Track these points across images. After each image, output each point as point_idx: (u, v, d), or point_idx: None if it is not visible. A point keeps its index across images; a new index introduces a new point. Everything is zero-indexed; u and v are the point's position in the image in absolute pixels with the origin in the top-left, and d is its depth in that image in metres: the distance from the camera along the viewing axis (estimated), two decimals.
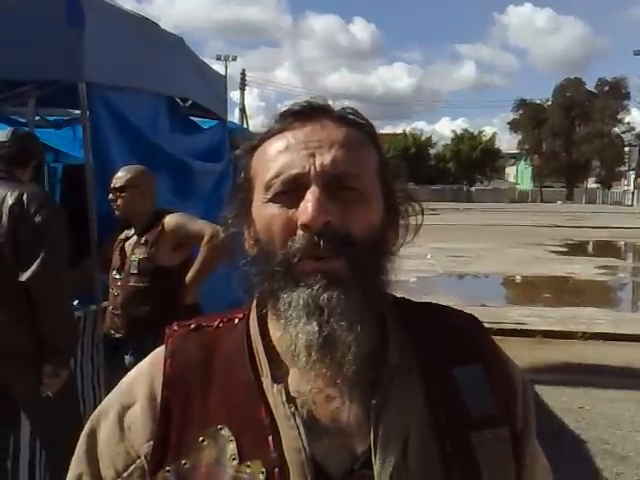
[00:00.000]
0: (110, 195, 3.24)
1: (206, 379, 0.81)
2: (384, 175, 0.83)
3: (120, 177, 3.22)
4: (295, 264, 0.75)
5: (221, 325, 0.87)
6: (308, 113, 0.82)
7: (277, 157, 0.79)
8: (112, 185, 3.22)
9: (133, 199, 3.21)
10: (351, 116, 0.84)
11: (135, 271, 3.16)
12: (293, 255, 0.75)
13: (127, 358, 3.09)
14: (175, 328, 0.87)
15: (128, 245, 3.26)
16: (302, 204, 0.75)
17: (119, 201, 3.23)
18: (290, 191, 0.77)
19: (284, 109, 0.84)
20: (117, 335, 3.21)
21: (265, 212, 0.79)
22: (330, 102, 0.84)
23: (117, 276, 3.24)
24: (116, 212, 3.27)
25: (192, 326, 0.87)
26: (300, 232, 0.75)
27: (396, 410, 0.77)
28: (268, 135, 0.83)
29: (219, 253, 3.03)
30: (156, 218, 3.22)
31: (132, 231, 3.30)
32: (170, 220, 3.18)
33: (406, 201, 0.86)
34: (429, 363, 0.82)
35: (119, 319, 3.19)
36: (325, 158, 0.77)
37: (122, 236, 3.32)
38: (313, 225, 0.73)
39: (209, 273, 3.18)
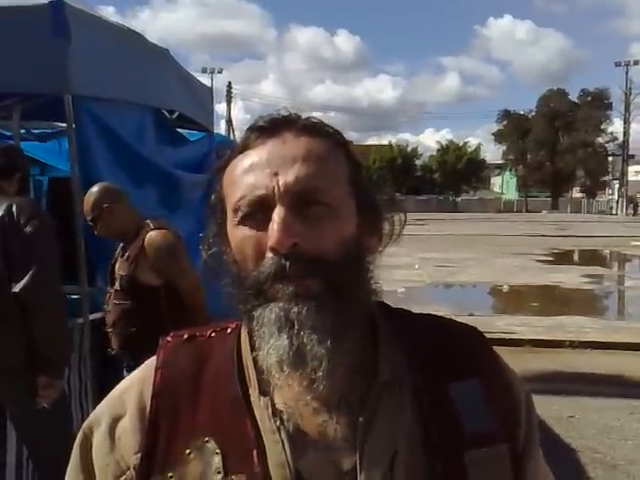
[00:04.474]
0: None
1: (195, 391, 0.80)
2: (356, 182, 0.80)
3: (85, 211, 3.07)
4: (266, 288, 0.74)
5: (213, 335, 0.86)
6: (271, 128, 0.79)
7: (242, 178, 0.77)
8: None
9: (105, 225, 3.06)
10: (314, 126, 0.80)
11: (119, 288, 3.05)
12: (264, 279, 0.74)
13: (125, 374, 3.01)
14: (168, 339, 0.87)
15: (118, 260, 3.15)
16: (270, 226, 0.73)
17: (97, 229, 3.10)
18: (258, 212, 0.75)
19: (249, 125, 0.81)
20: (112, 352, 3.12)
21: (236, 234, 0.77)
22: (296, 113, 0.81)
23: (110, 291, 3.15)
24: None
25: (185, 336, 0.86)
26: (269, 255, 0.73)
27: (384, 427, 0.76)
28: (234, 154, 0.81)
29: (200, 294, 2.97)
30: (138, 231, 3.03)
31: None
32: (150, 241, 2.98)
33: (387, 206, 0.84)
34: (423, 378, 0.80)
35: (112, 336, 3.11)
36: (288, 175, 0.74)
37: (118, 249, 3.19)
38: (280, 248, 0.72)
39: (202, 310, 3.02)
